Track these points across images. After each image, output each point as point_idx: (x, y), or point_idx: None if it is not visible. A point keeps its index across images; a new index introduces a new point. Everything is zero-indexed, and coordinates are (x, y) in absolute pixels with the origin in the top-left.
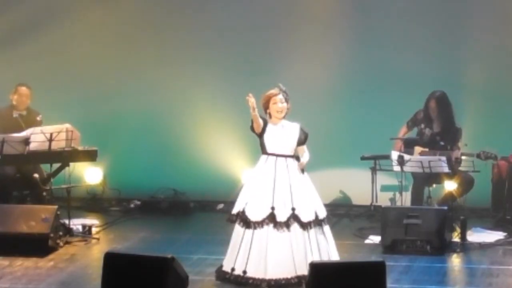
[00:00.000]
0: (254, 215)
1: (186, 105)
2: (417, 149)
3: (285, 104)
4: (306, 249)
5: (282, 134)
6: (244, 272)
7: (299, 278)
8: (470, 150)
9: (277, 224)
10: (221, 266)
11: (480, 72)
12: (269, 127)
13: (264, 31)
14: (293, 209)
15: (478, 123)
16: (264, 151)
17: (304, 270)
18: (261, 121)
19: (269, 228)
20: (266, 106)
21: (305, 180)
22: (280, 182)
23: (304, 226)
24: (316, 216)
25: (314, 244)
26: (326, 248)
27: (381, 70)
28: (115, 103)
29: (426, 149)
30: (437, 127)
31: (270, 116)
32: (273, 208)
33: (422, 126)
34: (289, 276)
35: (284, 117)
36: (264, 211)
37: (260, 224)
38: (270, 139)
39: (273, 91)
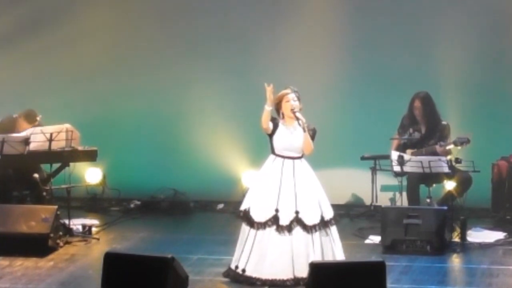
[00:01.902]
0: (258, 216)
1: (186, 105)
2: (408, 152)
3: (297, 102)
4: (308, 251)
5: (292, 136)
6: (243, 270)
7: (297, 280)
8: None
9: (279, 227)
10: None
11: (481, 72)
12: (280, 128)
13: (265, 32)
14: (296, 212)
15: (478, 123)
16: (272, 151)
17: (304, 273)
18: (270, 124)
19: (271, 230)
20: (278, 106)
21: (312, 181)
22: (285, 185)
23: (308, 229)
24: (322, 218)
25: (317, 246)
26: (331, 249)
27: (381, 71)
28: (115, 103)
29: (414, 150)
30: (424, 127)
31: (283, 116)
32: (277, 211)
33: (411, 130)
34: (285, 278)
35: (298, 118)
36: (268, 213)
37: (263, 225)
38: (279, 140)
39: (285, 90)
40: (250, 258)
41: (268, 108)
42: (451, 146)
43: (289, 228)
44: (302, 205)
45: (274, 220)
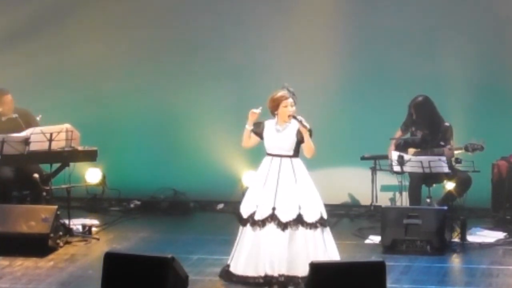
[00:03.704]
0: (244, 214)
1: (186, 105)
2: (410, 150)
3: (294, 108)
4: (281, 249)
5: (280, 135)
6: (228, 266)
7: (268, 278)
8: (457, 145)
9: (254, 223)
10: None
11: (481, 71)
12: (268, 128)
13: (264, 32)
14: (273, 208)
15: (478, 122)
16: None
17: (276, 271)
18: (253, 137)
19: (249, 226)
20: (275, 109)
21: (301, 180)
22: (269, 182)
23: (282, 226)
24: (299, 217)
25: (287, 244)
26: (313, 251)
27: (381, 70)
28: (115, 103)
29: (418, 150)
30: (426, 129)
31: (277, 118)
32: (257, 207)
33: (413, 128)
34: (256, 275)
35: (300, 122)
36: (250, 209)
37: (245, 221)
38: (267, 139)
39: (283, 93)
40: (234, 255)
41: (248, 127)
42: (461, 151)
43: (262, 224)
44: (280, 201)
45: (253, 215)
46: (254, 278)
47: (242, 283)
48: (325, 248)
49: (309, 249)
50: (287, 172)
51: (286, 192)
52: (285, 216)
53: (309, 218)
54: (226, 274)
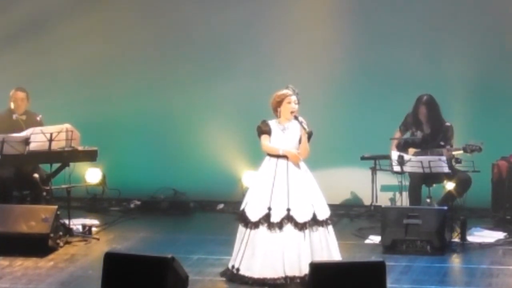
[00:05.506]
0: (252, 216)
1: (186, 105)
2: (410, 150)
3: (297, 106)
4: (299, 249)
5: (285, 135)
6: (237, 269)
7: (288, 278)
8: (457, 145)
9: (270, 225)
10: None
11: (481, 72)
12: (273, 129)
13: (264, 32)
14: (288, 209)
15: (478, 122)
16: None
17: (296, 271)
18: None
19: (263, 228)
20: (279, 105)
21: (307, 179)
22: (278, 183)
23: (299, 226)
24: (314, 216)
25: (309, 244)
26: (327, 248)
27: (381, 70)
28: (115, 103)
29: (418, 150)
30: (428, 128)
31: (280, 115)
32: (269, 209)
33: (413, 129)
34: (275, 276)
35: (301, 122)
36: (261, 211)
37: (255, 224)
38: (272, 140)
39: (287, 91)
40: (243, 257)
41: (280, 152)
42: (460, 152)
43: (280, 226)
44: (294, 202)
45: (266, 218)
46: (274, 279)
47: (259, 285)
48: (337, 244)
49: (323, 246)
50: (296, 172)
51: (298, 192)
52: (301, 216)
53: (321, 216)
54: (236, 277)
